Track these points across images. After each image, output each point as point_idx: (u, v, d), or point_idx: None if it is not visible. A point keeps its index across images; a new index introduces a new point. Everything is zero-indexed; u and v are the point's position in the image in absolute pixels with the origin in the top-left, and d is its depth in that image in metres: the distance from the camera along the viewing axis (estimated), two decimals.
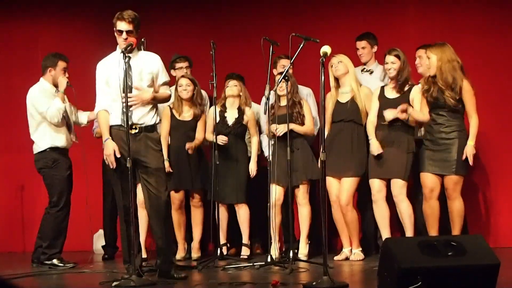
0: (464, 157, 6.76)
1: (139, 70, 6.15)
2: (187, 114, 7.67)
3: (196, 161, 7.68)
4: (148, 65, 6.22)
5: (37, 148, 7.38)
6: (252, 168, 7.61)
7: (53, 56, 7.49)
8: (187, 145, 7.52)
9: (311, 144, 7.65)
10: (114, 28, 6.16)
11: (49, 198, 7.38)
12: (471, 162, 6.80)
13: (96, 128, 7.84)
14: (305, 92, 7.88)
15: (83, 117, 7.58)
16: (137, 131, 6.10)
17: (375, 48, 7.89)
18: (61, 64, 7.43)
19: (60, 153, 7.36)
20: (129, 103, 5.95)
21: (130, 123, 5.99)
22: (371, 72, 7.80)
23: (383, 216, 7.09)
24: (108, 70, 6.12)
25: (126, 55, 5.99)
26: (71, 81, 7.44)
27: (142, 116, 6.13)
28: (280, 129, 7.19)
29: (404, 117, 6.87)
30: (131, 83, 6.08)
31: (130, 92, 6.04)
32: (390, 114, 6.93)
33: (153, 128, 6.22)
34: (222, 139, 7.46)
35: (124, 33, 6.10)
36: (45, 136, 7.33)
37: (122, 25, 6.12)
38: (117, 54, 6.17)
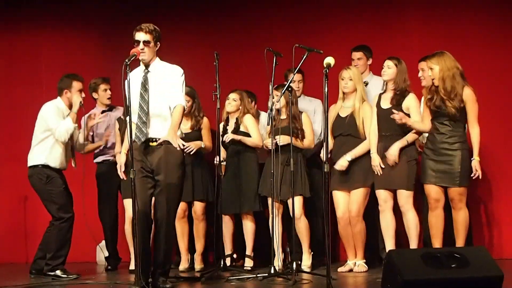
0: (474, 172, 6.72)
1: (157, 83, 6.13)
2: (185, 126, 7.67)
3: (198, 172, 7.68)
4: (166, 75, 6.17)
5: (31, 161, 7.39)
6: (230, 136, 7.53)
7: (67, 77, 7.44)
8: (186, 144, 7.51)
9: (314, 155, 7.66)
10: (133, 41, 6.12)
11: (50, 213, 7.37)
12: (480, 176, 6.76)
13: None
14: (314, 104, 7.87)
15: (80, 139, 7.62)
16: (156, 144, 6.09)
17: (370, 61, 7.93)
18: (76, 85, 7.38)
19: (53, 171, 7.35)
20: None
21: (145, 138, 6.05)
22: (366, 84, 7.80)
23: (389, 226, 7.07)
24: (130, 86, 5.94)
25: (142, 69, 6.07)
26: None
27: (159, 131, 6.09)
28: (282, 139, 7.18)
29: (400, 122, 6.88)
30: (147, 97, 6.08)
31: (147, 107, 6.05)
32: (394, 153, 6.96)
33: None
34: (226, 138, 7.45)
35: (141, 43, 6.07)
36: (43, 152, 7.33)
37: (139, 35, 6.09)
38: (139, 69, 6.13)
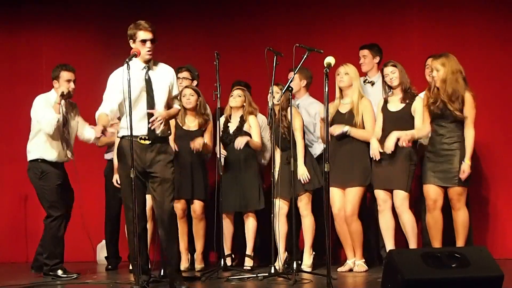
0: (461, 173, 6.72)
1: (159, 81, 6.18)
2: (192, 124, 7.67)
3: (199, 172, 7.67)
4: (166, 76, 6.25)
5: (29, 156, 7.36)
6: (241, 140, 7.56)
7: (57, 67, 7.37)
8: (192, 145, 7.51)
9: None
10: (134, 39, 6.11)
11: (43, 209, 7.37)
12: (463, 178, 6.76)
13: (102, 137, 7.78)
14: (318, 109, 7.87)
15: (90, 132, 7.35)
16: (149, 142, 6.12)
17: (376, 59, 7.86)
18: (64, 75, 7.30)
19: (50, 165, 7.29)
20: (158, 123, 6.01)
21: (140, 134, 6.08)
22: (373, 84, 7.77)
23: (388, 226, 7.08)
24: (127, 82, 5.90)
25: (129, 64, 5.97)
26: (76, 92, 7.40)
27: (155, 128, 6.13)
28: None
29: (407, 145, 6.87)
30: (152, 95, 6.11)
31: (153, 104, 6.09)
32: (391, 144, 6.93)
33: (165, 139, 6.25)
34: (222, 153, 7.45)
35: (148, 42, 6.09)
36: (37, 146, 7.29)
37: (146, 35, 6.09)
38: (137, 66, 6.11)
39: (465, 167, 6.73)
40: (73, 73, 7.34)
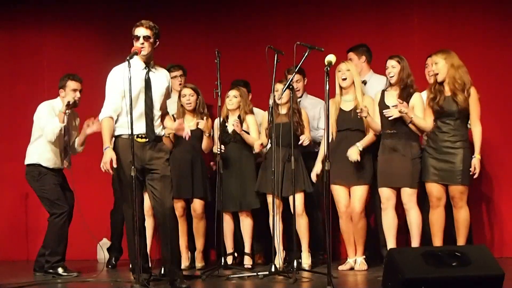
0: (473, 170, 6.73)
1: (157, 83, 6.23)
2: (190, 123, 7.67)
3: (198, 171, 7.66)
4: (164, 79, 6.32)
5: (26, 160, 7.43)
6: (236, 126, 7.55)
7: (65, 77, 7.42)
8: (200, 123, 7.55)
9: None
10: (133, 37, 6.17)
11: (46, 210, 7.39)
12: (476, 174, 6.77)
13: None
14: (320, 105, 7.85)
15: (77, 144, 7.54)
16: (146, 140, 6.13)
17: (362, 59, 7.83)
18: (71, 84, 7.35)
19: (47, 169, 7.34)
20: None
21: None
22: (365, 83, 7.77)
23: (391, 225, 7.06)
24: (127, 81, 5.94)
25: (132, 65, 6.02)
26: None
27: (154, 127, 6.18)
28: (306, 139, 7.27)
29: (403, 111, 6.84)
30: (151, 95, 6.15)
31: (151, 104, 6.13)
32: (393, 112, 6.91)
33: (161, 138, 6.30)
34: (218, 147, 7.45)
35: (141, 38, 6.12)
36: (36, 151, 7.34)
37: (139, 31, 6.14)
38: (137, 65, 6.15)
39: (476, 162, 6.74)
40: (79, 83, 7.41)
